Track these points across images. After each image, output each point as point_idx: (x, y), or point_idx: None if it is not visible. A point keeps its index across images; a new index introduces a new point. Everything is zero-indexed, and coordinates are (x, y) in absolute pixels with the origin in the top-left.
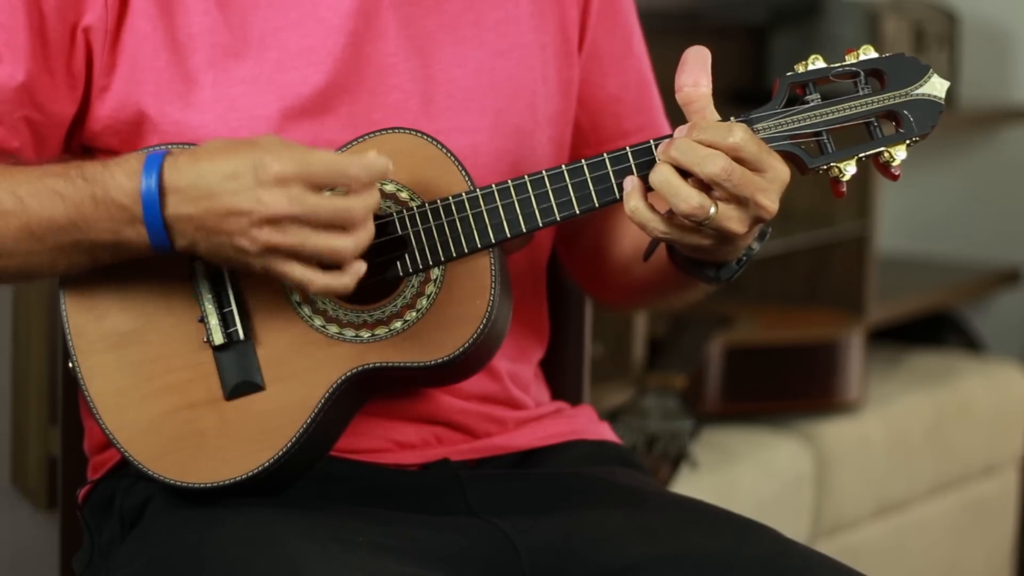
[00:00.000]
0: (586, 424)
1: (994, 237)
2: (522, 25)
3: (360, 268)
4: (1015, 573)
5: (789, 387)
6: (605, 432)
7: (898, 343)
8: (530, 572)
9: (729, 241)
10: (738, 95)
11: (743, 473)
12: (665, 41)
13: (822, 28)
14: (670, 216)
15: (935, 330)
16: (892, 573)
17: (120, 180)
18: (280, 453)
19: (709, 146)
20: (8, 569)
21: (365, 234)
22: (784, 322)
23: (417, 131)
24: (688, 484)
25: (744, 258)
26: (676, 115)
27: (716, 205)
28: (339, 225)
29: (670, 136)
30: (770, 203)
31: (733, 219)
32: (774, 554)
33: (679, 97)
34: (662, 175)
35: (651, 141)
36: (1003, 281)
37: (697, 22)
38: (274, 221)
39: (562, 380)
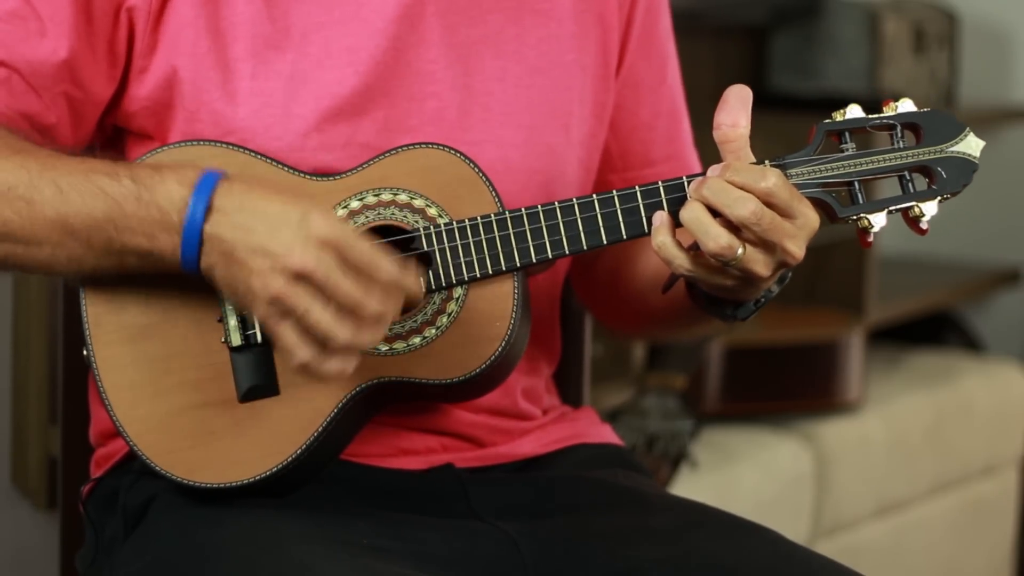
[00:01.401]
0: (588, 427)
1: (994, 237)
2: (564, 45)
3: (350, 364)
4: (1015, 573)
5: (789, 387)
6: (607, 434)
7: (898, 343)
8: (534, 575)
9: (752, 283)
10: None
11: (743, 473)
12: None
13: (822, 28)
14: (696, 254)
15: (935, 330)
16: (892, 573)
17: (170, 186)
18: (289, 459)
19: (741, 188)
20: (8, 569)
21: (367, 337)
22: (784, 322)
23: (452, 148)
24: (688, 484)
25: (763, 299)
26: None
27: (744, 247)
28: (347, 310)
29: (702, 174)
30: (797, 249)
31: (759, 262)
32: (777, 558)
33: (716, 135)
34: (693, 212)
35: (684, 178)
36: (1003, 281)
37: (697, 22)
38: (294, 275)
39: (562, 381)
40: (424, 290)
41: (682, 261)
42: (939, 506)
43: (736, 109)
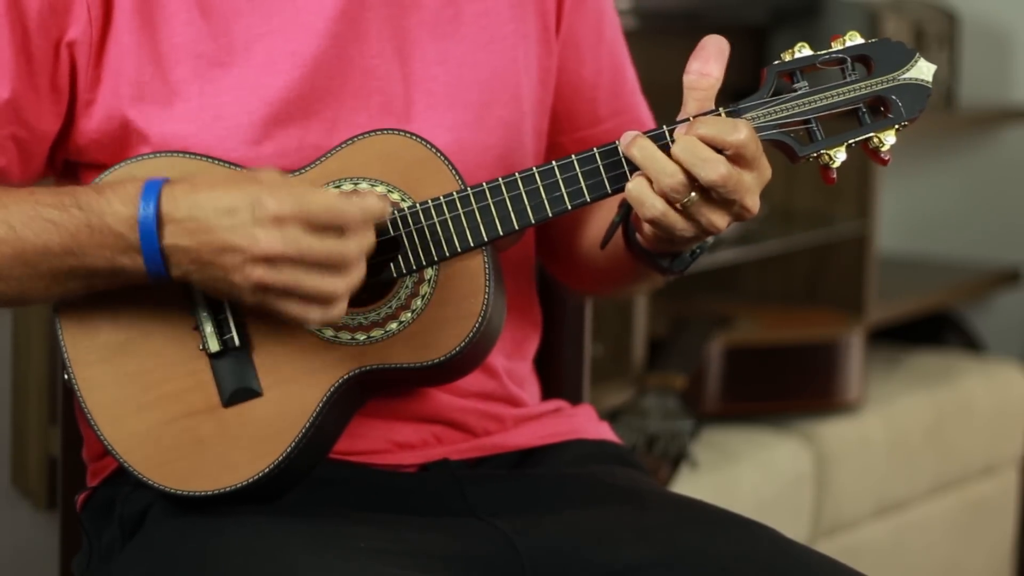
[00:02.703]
0: (585, 424)
1: (994, 237)
2: (502, 16)
3: (347, 299)
4: (1015, 573)
5: (789, 387)
6: (605, 432)
7: (898, 343)
8: (531, 573)
9: (709, 234)
10: (738, 95)
11: (743, 473)
12: (665, 41)
13: (822, 28)
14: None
15: (935, 330)
16: (892, 573)
17: (116, 208)
18: (280, 458)
19: (711, 141)
20: (8, 569)
21: (358, 274)
22: (784, 322)
23: (406, 131)
24: (688, 484)
25: (698, 251)
26: (671, 113)
27: (696, 192)
28: (332, 266)
29: (659, 128)
30: (754, 204)
31: (718, 216)
32: (774, 554)
33: (685, 80)
34: (644, 151)
35: (639, 134)
36: (1003, 281)
37: (697, 22)
38: (268, 260)
39: (562, 380)
40: (389, 207)
41: (653, 201)
42: (939, 506)
43: (710, 58)
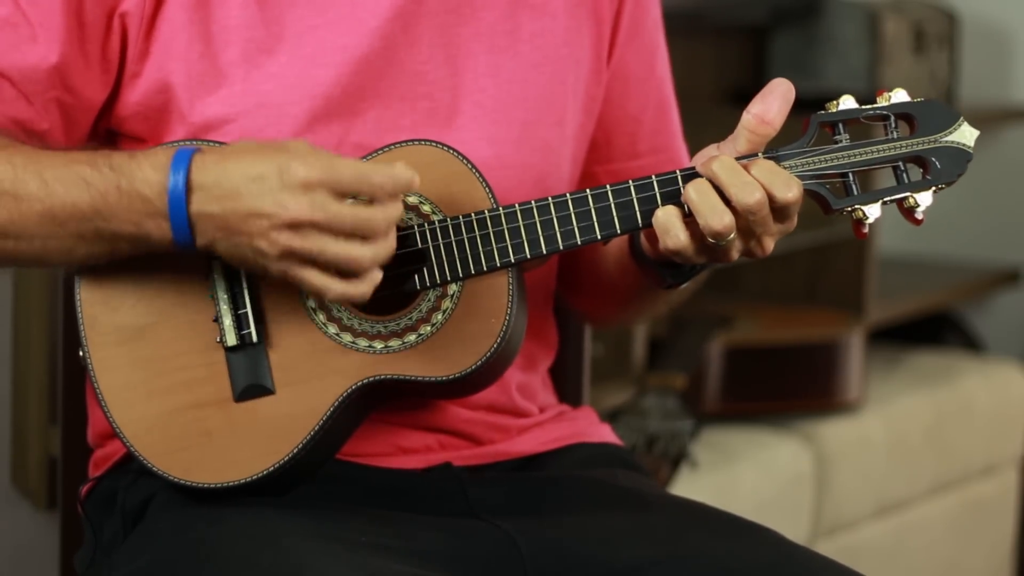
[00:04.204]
0: (587, 426)
1: (994, 237)
2: (558, 39)
3: (377, 276)
4: (1015, 573)
5: (789, 387)
6: (606, 434)
7: (898, 343)
8: (532, 573)
9: (717, 261)
10: (738, 95)
11: (743, 473)
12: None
13: (822, 28)
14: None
15: (935, 330)
16: (892, 573)
17: (147, 173)
18: (285, 458)
19: (767, 189)
20: (8, 569)
21: (385, 245)
22: (784, 322)
23: (444, 145)
24: (688, 484)
25: (698, 267)
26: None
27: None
28: (360, 234)
29: (692, 170)
30: (770, 246)
31: (734, 246)
32: (777, 557)
33: (744, 119)
34: (701, 189)
35: (677, 172)
36: (1003, 281)
37: (697, 22)
38: (295, 226)
39: (562, 380)
40: (417, 176)
41: (678, 232)
42: (939, 506)
43: (774, 105)
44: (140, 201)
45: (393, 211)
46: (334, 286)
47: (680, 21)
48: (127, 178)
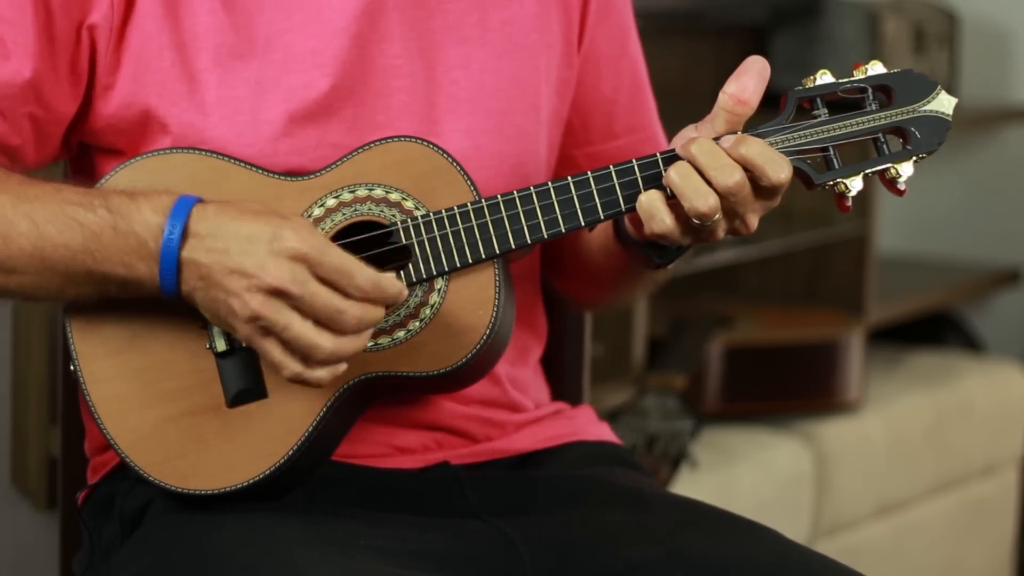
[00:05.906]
0: (586, 425)
1: (994, 237)
2: (527, 25)
3: (340, 368)
4: (1015, 573)
5: (789, 387)
6: (605, 433)
7: (898, 343)
8: (531, 573)
9: (703, 240)
10: None
11: (743, 473)
12: (665, 41)
13: (822, 28)
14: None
15: (935, 330)
16: (892, 573)
17: (146, 214)
18: (281, 461)
19: (752, 167)
20: (8, 569)
21: (353, 343)
22: (784, 322)
23: (424, 140)
24: (688, 484)
25: (684, 247)
26: (670, 113)
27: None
28: (329, 324)
29: (672, 152)
30: (754, 223)
31: (719, 225)
32: (775, 556)
33: (720, 99)
34: (684, 172)
35: (658, 155)
36: (1003, 281)
37: (697, 22)
38: (270, 292)
39: (562, 380)
40: (406, 291)
41: (663, 216)
42: (939, 506)
43: (750, 84)
44: (135, 241)
45: (370, 313)
46: (291, 366)
47: (680, 21)
48: (124, 219)
